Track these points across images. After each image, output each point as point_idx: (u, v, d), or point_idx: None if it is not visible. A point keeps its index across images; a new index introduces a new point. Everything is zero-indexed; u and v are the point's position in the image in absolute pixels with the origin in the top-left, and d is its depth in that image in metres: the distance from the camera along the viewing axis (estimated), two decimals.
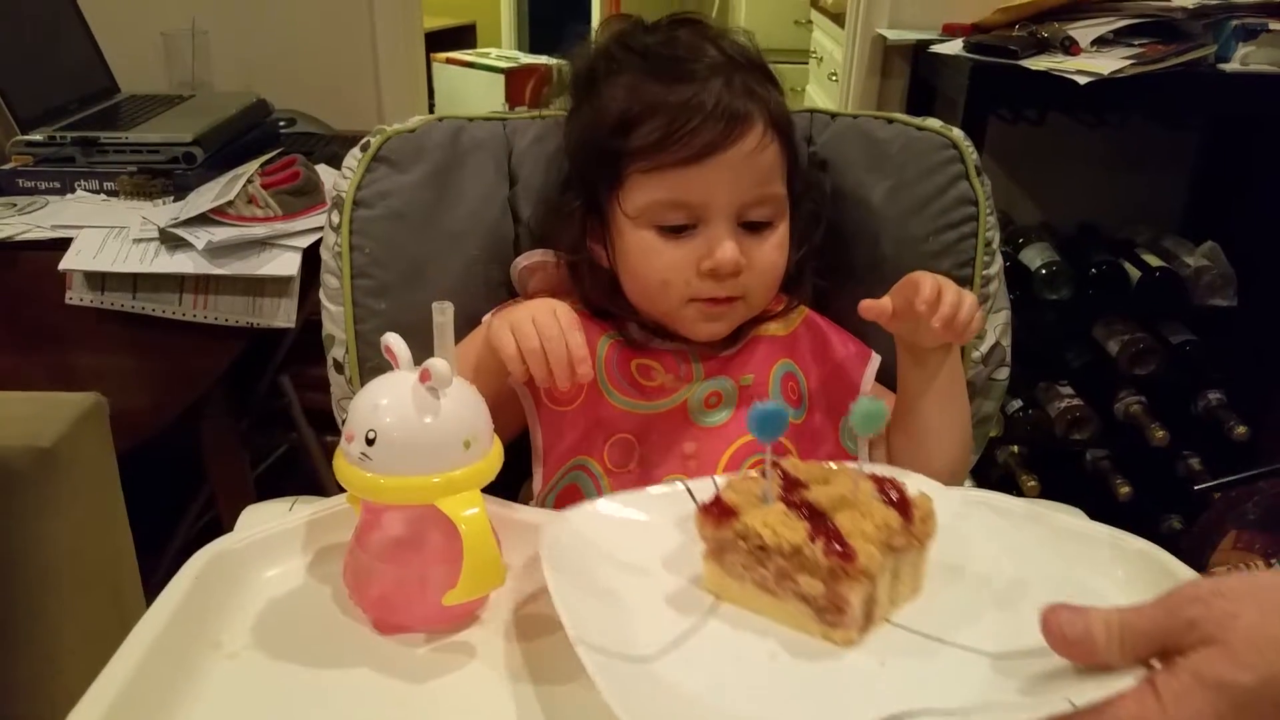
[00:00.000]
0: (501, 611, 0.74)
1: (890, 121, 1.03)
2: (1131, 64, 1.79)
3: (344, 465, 0.68)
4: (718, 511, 0.69)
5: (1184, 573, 0.71)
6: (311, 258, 1.55)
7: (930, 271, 1.01)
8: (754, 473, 0.73)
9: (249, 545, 0.77)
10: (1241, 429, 2.05)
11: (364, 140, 0.97)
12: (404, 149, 0.97)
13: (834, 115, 1.04)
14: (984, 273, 1.00)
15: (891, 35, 2.13)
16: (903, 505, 0.68)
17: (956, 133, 1.01)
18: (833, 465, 0.74)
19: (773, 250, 0.93)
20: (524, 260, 1.01)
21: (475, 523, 0.67)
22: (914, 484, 0.73)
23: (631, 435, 0.93)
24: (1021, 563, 0.72)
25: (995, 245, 1.01)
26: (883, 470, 0.73)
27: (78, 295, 1.52)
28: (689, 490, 0.78)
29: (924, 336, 0.90)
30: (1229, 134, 2.20)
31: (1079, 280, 2.03)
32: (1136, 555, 0.75)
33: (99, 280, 1.52)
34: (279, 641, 0.70)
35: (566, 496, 0.93)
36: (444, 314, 0.71)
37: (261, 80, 2.13)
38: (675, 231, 0.91)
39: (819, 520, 0.66)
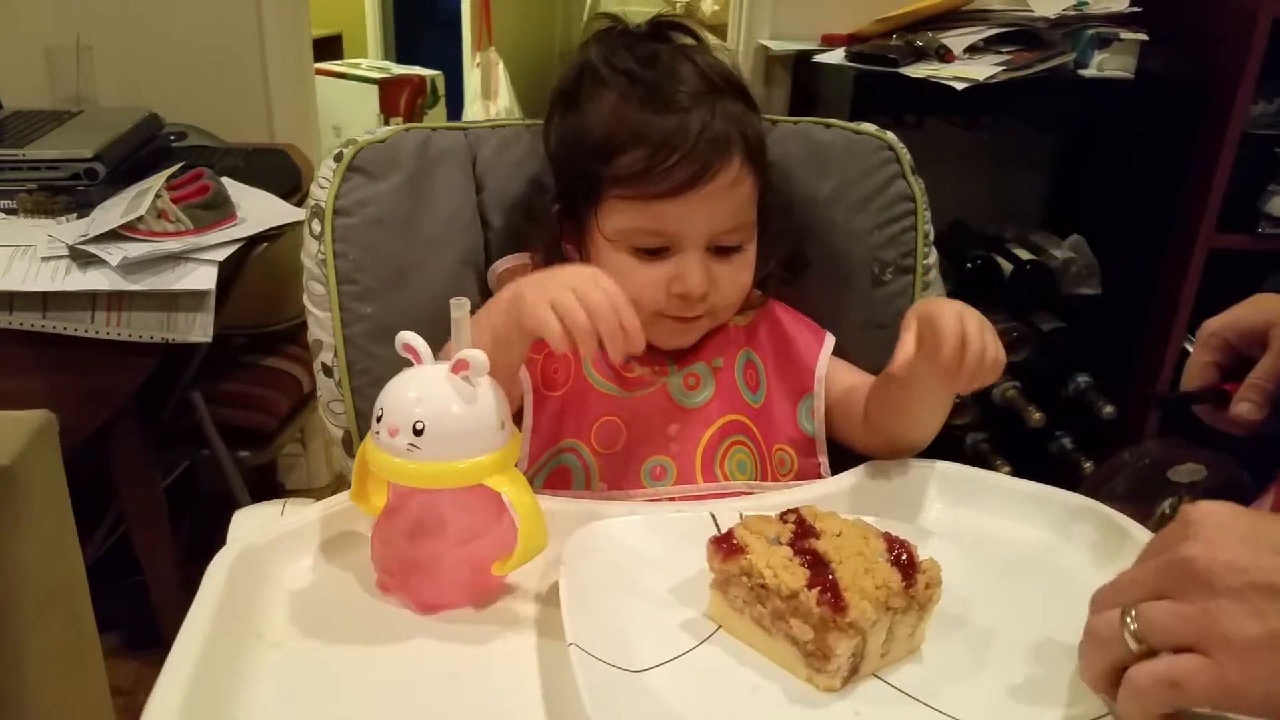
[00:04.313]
0: (529, 580, 0.78)
1: (828, 126, 1.10)
2: (1002, 70, 1.93)
3: (386, 458, 0.70)
4: (727, 546, 0.72)
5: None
6: (223, 270, 1.55)
7: (876, 260, 1.07)
8: (773, 515, 0.75)
9: (270, 542, 0.79)
10: (1110, 408, 2.21)
11: (336, 151, 0.99)
12: (377, 159, 0.99)
13: (775, 121, 1.10)
14: (924, 262, 1.09)
15: (774, 46, 2.23)
16: (908, 568, 0.70)
17: (890, 136, 1.09)
18: (849, 518, 0.75)
19: (739, 273, 0.98)
20: (502, 265, 1.04)
21: (524, 495, 0.71)
22: (930, 550, 0.73)
23: (618, 418, 0.98)
24: (1025, 620, 0.75)
25: (931, 237, 1.09)
26: (897, 532, 0.74)
27: None
28: (714, 518, 0.82)
29: (945, 380, 0.85)
30: (1086, 134, 2.37)
31: (955, 275, 2.15)
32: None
33: (6, 300, 1.48)
34: (317, 628, 0.73)
35: (555, 478, 0.97)
36: (461, 309, 0.75)
37: (148, 95, 2.08)
38: (649, 253, 0.95)
39: (820, 570, 0.69)
